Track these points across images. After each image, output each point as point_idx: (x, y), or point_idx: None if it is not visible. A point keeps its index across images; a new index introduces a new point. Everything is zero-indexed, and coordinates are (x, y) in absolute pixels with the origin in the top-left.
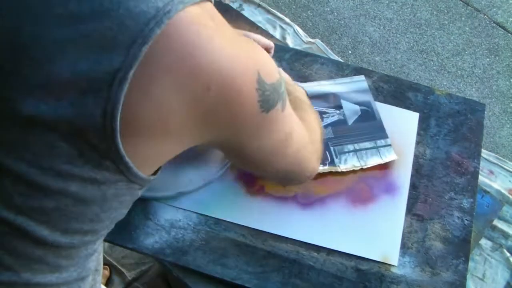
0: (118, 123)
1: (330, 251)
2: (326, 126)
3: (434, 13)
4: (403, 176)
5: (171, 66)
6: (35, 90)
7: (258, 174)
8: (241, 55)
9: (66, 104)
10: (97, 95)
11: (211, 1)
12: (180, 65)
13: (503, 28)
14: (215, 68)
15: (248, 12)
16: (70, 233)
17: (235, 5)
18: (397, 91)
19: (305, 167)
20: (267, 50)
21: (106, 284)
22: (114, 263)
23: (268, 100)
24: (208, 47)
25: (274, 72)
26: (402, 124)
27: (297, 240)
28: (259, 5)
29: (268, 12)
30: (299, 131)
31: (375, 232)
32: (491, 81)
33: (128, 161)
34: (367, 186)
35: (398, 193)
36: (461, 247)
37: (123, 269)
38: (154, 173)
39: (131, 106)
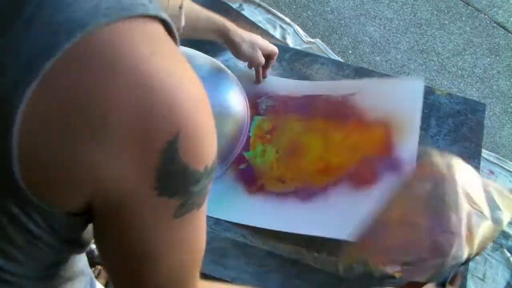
0: (13, 146)
1: (331, 251)
2: None
3: (435, 13)
4: (409, 150)
5: (71, 88)
6: None
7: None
8: (167, 102)
9: None
10: None
11: (166, 24)
12: (78, 90)
13: (504, 28)
14: (118, 103)
15: (248, 12)
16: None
17: (235, 5)
18: None
19: None
20: (271, 55)
21: (106, 285)
22: None
23: (168, 179)
24: (121, 76)
25: (199, 157)
26: (405, 94)
27: (297, 240)
28: (259, 5)
29: (268, 12)
30: (183, 274)
31: None
32: (491, 81)
33: (22, 186)
34: (369, 167)
35: (405, 171)
36: None
37: None
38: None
39: (29, 126)
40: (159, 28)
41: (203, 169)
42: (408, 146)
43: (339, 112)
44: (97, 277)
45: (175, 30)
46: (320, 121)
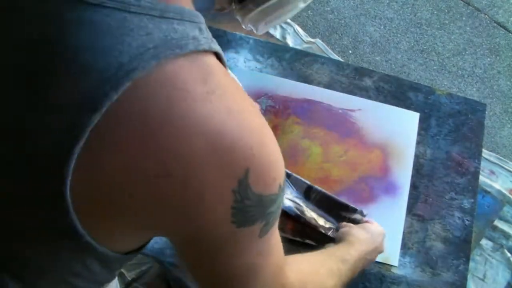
0: (68, 200)
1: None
2: None
3: (435, 12)
4: (404, 176)
5: (124, 140)
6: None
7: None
8: (230, 143)
9: (21, 179)
10: (46, 170)
11: (217, 54)
12: (133, 140)
13: (504, 28)
14: (179, 151)
15: None
16: None
17: None
18: (397, 91)
19: None
20: None
21: None
22: None
23: (245, 212)
24: (178, 122)
25: (271, 182)
26: (402, 124)
27: (297, 240)
28: None
29: None
30: (272, 276)
31: None
32: (492, 81)
33: (89, 240)
34: (367, 186)
35: (398, 193)
36: (461, 247)
37: (123, 269)
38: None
39: (82, 183)
40: (211, 60)
41: (278, 189)
42: (402, 172)
43: (339, 125)
44: None
45: (224, 58)
46: (320, 130)
